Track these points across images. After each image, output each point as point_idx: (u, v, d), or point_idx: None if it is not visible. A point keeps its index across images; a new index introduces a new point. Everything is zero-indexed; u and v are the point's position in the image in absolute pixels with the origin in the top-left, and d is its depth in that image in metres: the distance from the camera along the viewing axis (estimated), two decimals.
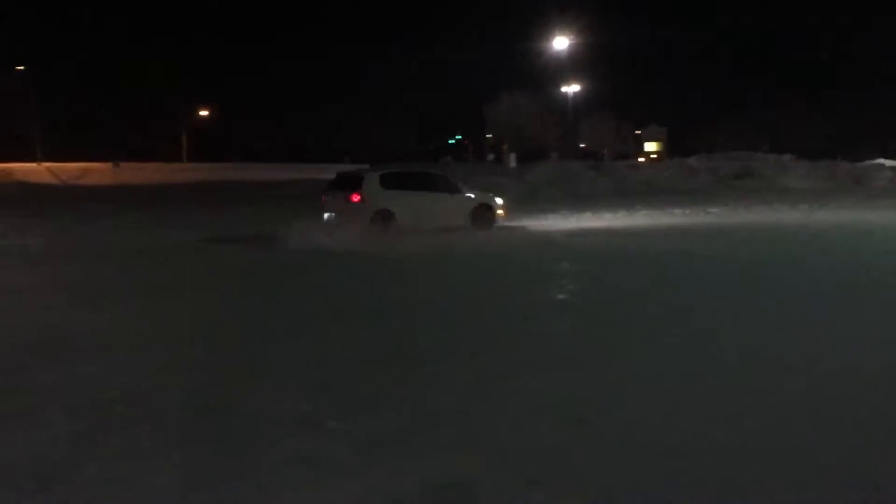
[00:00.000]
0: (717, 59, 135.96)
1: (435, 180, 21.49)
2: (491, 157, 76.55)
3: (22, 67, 73.55)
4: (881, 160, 53.88)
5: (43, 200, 37.63)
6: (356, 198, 19.65)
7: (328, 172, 28.33)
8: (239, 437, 5.27)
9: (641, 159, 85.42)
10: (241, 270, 14.52)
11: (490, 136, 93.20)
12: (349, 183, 20.37)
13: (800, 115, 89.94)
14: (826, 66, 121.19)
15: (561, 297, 10.79)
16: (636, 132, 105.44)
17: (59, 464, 4.84)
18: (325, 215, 20.11)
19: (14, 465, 4.83)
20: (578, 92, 76.31)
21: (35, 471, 4.73)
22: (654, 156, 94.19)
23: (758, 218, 23.37)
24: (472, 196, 21.58)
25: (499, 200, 21.92)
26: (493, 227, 21.00)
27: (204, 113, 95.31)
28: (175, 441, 5.22)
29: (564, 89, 74.31)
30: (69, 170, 61.71)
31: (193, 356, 7.53)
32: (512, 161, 57.27)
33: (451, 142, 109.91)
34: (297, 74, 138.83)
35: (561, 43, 61.92)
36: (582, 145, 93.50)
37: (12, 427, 5.53)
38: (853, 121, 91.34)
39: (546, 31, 64.14)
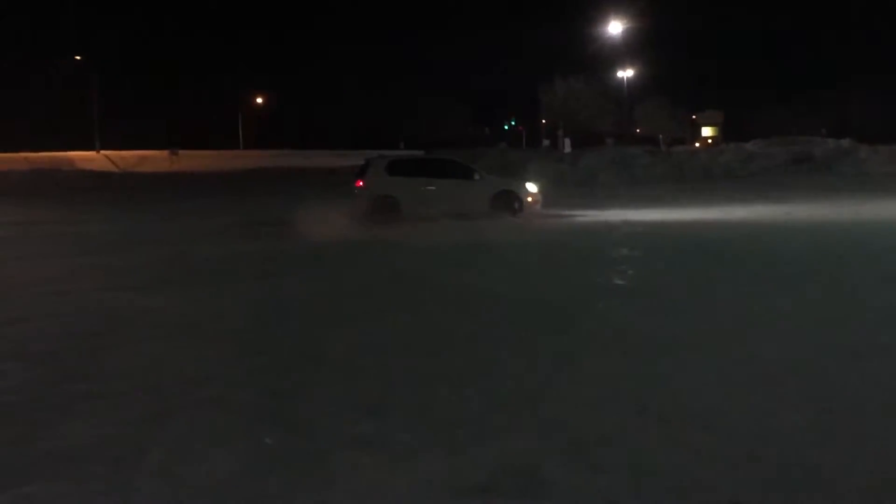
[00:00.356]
0: (773, 43, 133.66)
1: (449, 166, 21.34)
2: (546, 142, 76.20)
3: (79, 57, 74.83)
4: None
5: (101, 188, 38.31)
6: (359, 183, 20.11)
7: None
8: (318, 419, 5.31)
9: (697, 144, 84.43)
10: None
11: (545, 121, 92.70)
12: (362, 169, 20.85)
13: (858, 99, 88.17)
14: (885, 50, 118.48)
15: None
16: (692, 117, 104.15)
17: (129, 446, 4.89)
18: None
19: (84, 448, 4.89)
20: (633, 77, 75.70)
21: (105, 454, 4.79)
22: (710, 140, 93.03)
23: (821, 209, 22.84)
24: (493, 182, 21.19)
25: (531, 188, 21.09)
26: (518, 215, 20.20)
27: (260, 100, 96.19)
28: (245, 424, 5.28)
29: (619, 74, 73.78)
30: (127, 158, 62.85)
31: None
32: (567, 147, 56.98)
33: (505, 128, 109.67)
34: (356, 60, 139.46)
35: (616, 27, 61.49)
36: (637, 130, 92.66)
37: (80, 412, 5.58)
38: None
39: (601, 16, 63.76)
